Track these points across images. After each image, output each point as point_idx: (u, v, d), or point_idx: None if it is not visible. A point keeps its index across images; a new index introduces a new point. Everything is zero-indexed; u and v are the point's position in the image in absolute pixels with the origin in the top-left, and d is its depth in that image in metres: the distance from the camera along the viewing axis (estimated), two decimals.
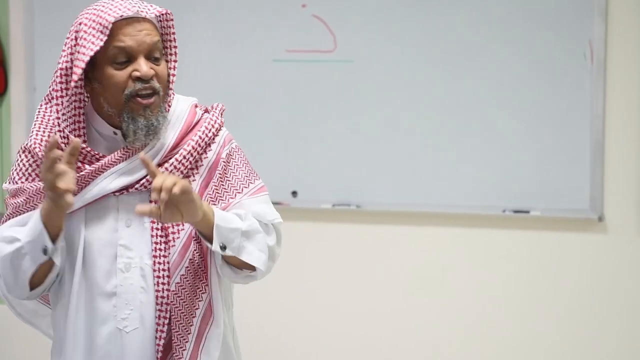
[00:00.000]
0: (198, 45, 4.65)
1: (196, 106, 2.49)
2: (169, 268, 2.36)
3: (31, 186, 2.36)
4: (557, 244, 4.40)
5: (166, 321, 2.36)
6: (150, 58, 2.34)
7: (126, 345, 2.38)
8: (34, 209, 2.36)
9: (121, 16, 2.31)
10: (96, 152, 2.35)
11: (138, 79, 2.31)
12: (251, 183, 2.49)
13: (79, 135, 2.35)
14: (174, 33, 2.42)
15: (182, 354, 2.37)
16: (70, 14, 4.67)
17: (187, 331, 2.37)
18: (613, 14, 4.27)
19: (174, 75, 2.40)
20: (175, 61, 2.41)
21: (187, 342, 2.37)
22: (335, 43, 4.52)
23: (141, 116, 2.31)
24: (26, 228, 2.31)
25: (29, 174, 2.38)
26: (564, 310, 4.42)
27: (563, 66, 4.28)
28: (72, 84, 2.33)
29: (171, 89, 2.40)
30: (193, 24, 4.66)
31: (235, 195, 2.44)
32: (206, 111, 2.50)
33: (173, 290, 2.35)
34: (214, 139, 2.46)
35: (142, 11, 2.33)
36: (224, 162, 2.45)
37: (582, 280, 4.40)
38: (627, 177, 4.30)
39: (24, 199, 2.37)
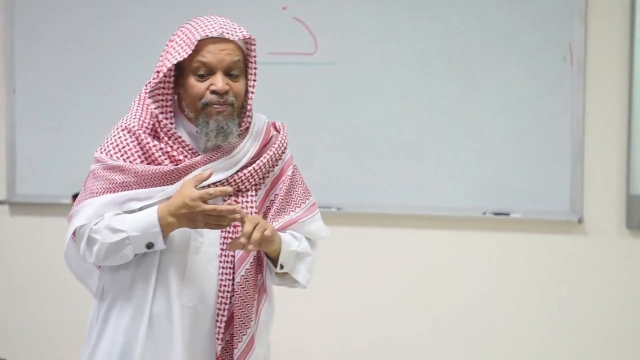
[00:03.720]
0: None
1: (271, 125, 2.80)
2: (233, 260, 2.67)
3: (142, 168, 2.64)
4: (538, 246, 4.42)
5: (226, 306, 2.66)
6: (229, 75, 2.64)
7: (186, 318, 2.65)
8: (136, 189, 2.64)
9: (207, 35, 2.65)
10: (192, 149, 2.66)
11: (214, 91, 2.62)
12: (307, 199, 2.81)
13: (170, 124, 2.67)
14: (254, 56, 2.70)
15: (242, 339, 2.68)
16: (50, 18, 4.71)
17: (249, 318, 2.68)
18: (593, 17, 4.28)
19: (252, 92, 2.69)
20: (254, 80, 2.69)
21: (248, 328, 2.69)
22: (316, 45, 4.52)
23: (213, 120, 2.62)
24: (134, 221, 2.60)
25: (126, 151, 2.68)
26: (546, 310, 4.44)
27: (543, 69, 4.30)
28: (152, 83, 2.69)
29: (249, 104, 2.69)
30: (173, 26, 4.64)
31: (295, 209, 2.76)
32: (274, 128, 2.81)
33: (238, 282, 2.66)
34: (281, 156, 2.77)
35: (227, 33, 2.65)
36: (289, 177, 2.77)
37: (563, 281, 4.41)
38: (606, 179, 4.32)
39: (132, 180, 2.64)
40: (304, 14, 4.53)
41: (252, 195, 2.70)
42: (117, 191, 2.65)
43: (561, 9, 4.26)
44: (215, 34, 2.65)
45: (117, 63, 4.71)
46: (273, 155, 2.74)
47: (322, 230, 2.83)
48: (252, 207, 2.68)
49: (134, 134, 2.70)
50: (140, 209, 2.62)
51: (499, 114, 4.36)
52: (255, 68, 2.70)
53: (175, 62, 2.64)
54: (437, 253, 4.51)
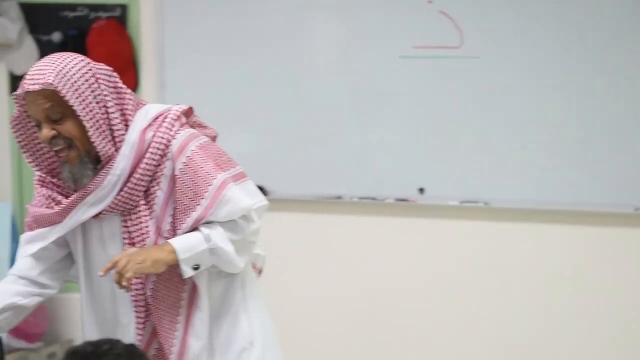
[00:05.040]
0: (324, 43, 4.68)
1: (147, 128, 2.72)
2: (139, 276, 2.74)
3: (33, 211, 2.83)
4: None
5: (141, 319, 2.77)
6: (53, 120, 2.68)
7: (125, 337, 2.72)
8: (36, 230, 2.85)
9: (18, 92, 2.71)
10: (68, 190, 2.77)
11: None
12: (210, 185, 2.71)
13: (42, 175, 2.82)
14: (76, 91, 2.66)
15: (173, 342, 2.76)
16: (200, 14, 4.80)
17: (174, 322, 2.77)
18: None
19: (91, 126, 2.67)
20: (85, 115, 2.66)
21: (175, 331, 2.76)
22: (461, 39, 4.49)
23: (65, 167, 2.73)
24: None
25: (35, 197, 2.87)
26: None
27: None
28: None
29: (95, 138, 2.68)
30: (319, 21, 4.68)
31: (200, 201, 2.70)
32: (163, 122, 2.75)
33: (150, 294, 2.76)
34: (165, 154, 2.72)
35: (28, 85, 2.66)
36: (179, 177, 2.72)
37: None
38: None
39: (31, 220, 2.87)
40: (450, 7, 4.50)
41: (142, 210, 2.74)
42: (26, 231, 2.86)
43: None
44: (20, 91, 2.70)
45: (262, 60, 4.75)
46: (149, 163, 2.72)
47: (236, 209, 2.73)
48: (145, 225, 2.74)
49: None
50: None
51: None
52: (87, 98, 2.66)
53: (13, 120, 2.75)
54: (589, 250, 4.44)
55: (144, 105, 2.78)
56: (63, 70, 2.65)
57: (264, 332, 2.90)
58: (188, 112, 2.83)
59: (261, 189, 4.61)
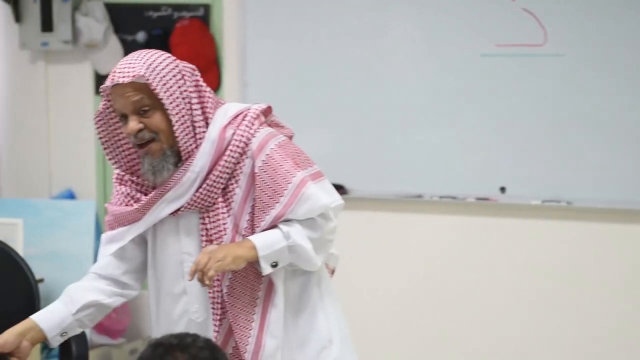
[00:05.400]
0: (405, 41, 4.66)
1: (227, 126, 2.75)
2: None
3: (112, 209, 2.86)
4: None
5: (217, 316, 2.77)
6: (140, 113, 2.71)
7: (201, 333, 2.71)
8: (117, 229, 2.88)
9: (106, 85, 2.74)
10: (149, 186, 2.79)
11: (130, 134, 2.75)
12: (289, 183, 2.73)
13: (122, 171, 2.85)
14: (165, 84, 2.70)
15: (248, 341, 2.76)
16: (281, 13, 4.82)
17: (249, 320, 2.77)
18: None
19: (177, 121, 2.70)
20: (173, 109, 2.70)
21: (250, 329, 2.77)
22: (545, 37, 4.45)
23: (147, 160, 2.75)
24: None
25: (115, 195, 2.89)
26: None
27: None
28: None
29: (179, 134, 2.71)
30: (399, 19, 4.67)
31: (279, 199, 2.72)
32: (243, 120, 2.78)
33: (226, 292, 2.76)
34: (244, 152, 2.75)
35: (118, 78, 2.70)
36: (258, 175, 2.73)
37: None
38: None
39: (112, 219, 2.89)
40: (533, 4, 4.46)
41: (220, 208, 2.75)
42: (107, 231, 2.88)
43: None
44: (109, 84, 2.72)
45: (342, 59, 4.76)
46: (228, 161, 2.74)
47: (315, 207, 2.74)
48: (223, 222, 2.75)
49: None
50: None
51: None
52: (174, 93, 2.70)
53: (97, 115, 2.79)
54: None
55: (223, 104, 2.81)
56: (153, 64, 2.69)
57: (341, 331, 2.89)
58: (267, 111, 2.84)
59: (341, 187, 4.66)
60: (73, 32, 5.22)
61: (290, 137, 2.87)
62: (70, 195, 5.34)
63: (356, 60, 4.73)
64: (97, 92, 5.29)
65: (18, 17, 5.28)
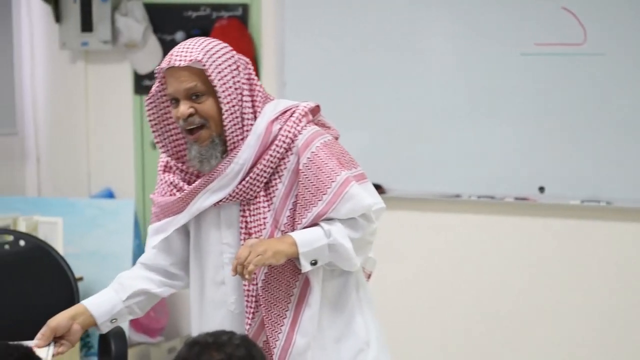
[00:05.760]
0: (443, 40, 4.65)
1: (275, 120, 2.76)
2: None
3: (157, 200, 2.89)
4: None
5: (251, 309, 2.78)
6: (192, 98, 2.72)
7: (234, 326, 2.77)
8: (162, 220, 2.91)
9: (161, 67, 2.74)
10: (194, 174, 2.81)
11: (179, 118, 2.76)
12: (333, 182, 2.73)
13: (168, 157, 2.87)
14: (219, 72, 2.71)
15: (278, 337, 2.78)
16: (319, 13, 4.82)
17: (281, 316, 2.78)
18: None
19: (227, 110, 2.72)
20: (225, 97, 2.71)
21: (281, 325, 2.78)
22: (585, 36, 4.42)
23: (194, 147, 2.76)
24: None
25: (158, 184, 2.90)
26: None
27: None
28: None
29: (227, 122, 2.72)
30: (437, 18, 4.66)
31: (322, 197, 2.72)
32: (290, 116, 2.78)
33: (261, 285, 2.76)
34: (290, 148, 2.76)
35: (175, 61, 2.71)
36: (302, 172, 2.74)
37: None
38: None
39: (158, 210, 2.90)
40: (574, 3, 4.43)
41: (261, 202, 2.76)
42: (154, 222, 2.90)
43: None
44: (164, 65, 2.74)
45: (381, 59, 4.75)
46: (273, 155, 2.74)
47: (357, 207, 2.73)
48: (263, 217, 2.76)
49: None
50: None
51: None
52: (227, 82, 2.71)
53: (149, 97, 2.80)
54: None
55: (272, 99, 2.82)
56: (210, 51, 2.71)
57: (378, 334, 2.89)
58: (315, 110, 2.85)
59: (379, 187, 4.65)
60: (112, 32, 5.25)
61: (336, 138, 2.88)
62: (109, 195, 5.37)
63: (394, 60, 4.72)
64: (136, 91, 5.32)
65: (58, 17, 5.32)
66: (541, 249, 4.58)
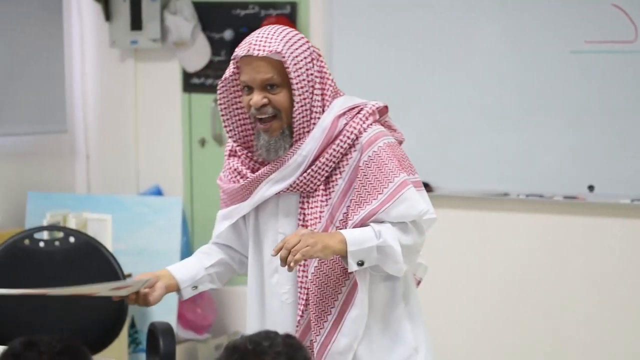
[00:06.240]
0: (491, 38, 4.63)
1: (341, 115, 2.76)
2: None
3: (224, 186, 2.91)
4: None
5: (303, 301, 2.78)
6: (267, 89, 2.73)
7: (286, 316, 2.82)
8: (229, 207, 2.95)
9: (237, 54, 2.75)
10: (258, 161, 2.82)
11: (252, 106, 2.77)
12: (390, 182, 2.72)
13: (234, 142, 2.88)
14: (296, 64, 2.72)
15: (319, 332, 2.77)
16: (368, 11, 4.81)
17: (326, 312, 2.77)
18: None
19: (298, 103, 2.73)
20: (298, 90, 2.72)
21: (325, 321, 2.77)
22: (636, 33, 4.39)
23: (263, 136, 2.78)
24: None
25: (225, 170, 2.93)
26: None
27: None
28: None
29: (297, 114, 2.74)
30: (486, 17, 4.64)
31: (377, 196, 2.71)
32: (358, 113, 2.78)
33: (310, 279, 2.76)
34: (353, 145, 2.76)
35: (254, 50, 2.72)
36: (362, 168, 2.74)
37: None
38: None
39: (225, 197, 2.94)
40: (624, 0, 4.39)
41: (319, 195, 2.77)
42: (222, 207, 2.92)
43: None
44: (242, 53, 2.73)
45: (429, 57, 4.74)
46: (335, 151, 2.75)
47: (410, 211, 2.72)
48: (320, 210, 2.76)
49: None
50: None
51: None
52: (303, 74, 2.72)
53: (221, 81, 2.81)
54: None
55: (342, 94, 2.82)
56: (290, 42, 2.73)
57: (426, 340, 2.89)
58: (382, 111, 2.85)
59: (426, 185, 4.62)
60: (162, 31, 5.28)
61: (400, 142, 2.88)
62: (158, 192, 5.40)
63: (442, 58, 4.71)
64: (185, 89, 5.35)
65: (108, 16, 5.37)
66: (590, 248, 4.54)
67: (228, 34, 5.21)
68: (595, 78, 4.46)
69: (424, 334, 2.89)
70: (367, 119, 2.77)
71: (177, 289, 2.88)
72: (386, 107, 2.85)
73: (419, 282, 2.98)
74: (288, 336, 2.20)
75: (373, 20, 4.84)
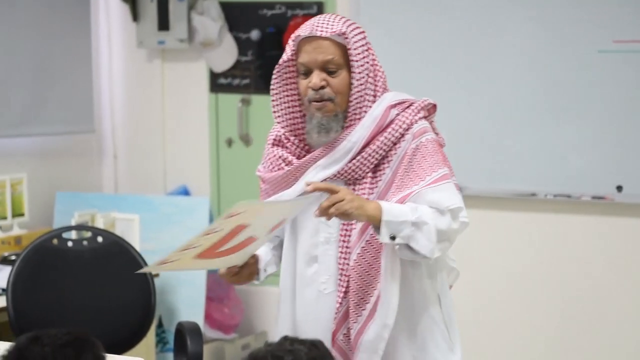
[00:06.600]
0: (519, 38, 4.61)
1: (393, 106, 2.79)
2: (348, 244, 2.78)
3: (266, 176, 2.90)
4: None
5: (343, 288, 2.79)
6: (327, 71, 2.75)
7: (323, 306, 2.83)
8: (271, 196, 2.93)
9: (299, 35, 2.76)
10: (305, 148, 2.83)
11: (311, 88, 2.76)
12: (434, 172, 2.75)
13: (282, 129, 2.87)
14: (360, 47, 2.76)
15: (357, 320, 2.78)
16: (395, 11, 4.81)
17: (365, 300, 2.77)
18: None
19: (356, 86, 2.75)
20: (359, 73, 2.75)
21: (363, 309, 2.77)
22: None
23: (315, 117, 2.77)
24: None
25: (267, 160, 2.92)
26: None
27: None
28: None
29: (353, 98, 2.76)
30: (515, 16, 4.62)
31: (418, 182, 2.73)
32: (409, 107, 2.81)
33: (351, 265, 2.76)
34: (403, 135, 2.78)
35: (317, 30, 2.73)
36: (408, 156, 2.76)
37: None
38: None
39: (268, 187, 2.92)
40: None
41: (367, 183, 2.77)
42: (263, 198, 2.91)
43: None
44: (305, 34, 2.74)
45: (457, 58, 4.73)
46: (386, 139, 2.76)
47: (445, 200, 2.72)
48: (366, 198, 2.73)
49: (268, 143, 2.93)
50: None
51: None
52: (362, 60, 2.74)
53: (277, 66, 2.80)
54: None
55: (389, 91, 2.85)
56: (351, 26, 2.77)
57: (458, 342, 2.90)
58: (432, 109, 2.89)
59: None
60: (189, 31, 5.29)
61: (441, 146, 2.89)
62: (185, 192, 5.42)
63: (471, 58, 4.70)
64: (212, 89, 5.36)
65: (135, 16, 5.38)
66: (618, 249, 4.52)
67: (255, 34, 5.22)
68: (623, 77, 4.44)
69: (458, 335, 2.90)
70: (418, 112, 2.81)
71: (257, 270, 2.89)
72: (435, 106, 2.88)
73: (449, 288, 2.99)
74: (313, 345, 2.16)
75: (400, 19, 4.83)
